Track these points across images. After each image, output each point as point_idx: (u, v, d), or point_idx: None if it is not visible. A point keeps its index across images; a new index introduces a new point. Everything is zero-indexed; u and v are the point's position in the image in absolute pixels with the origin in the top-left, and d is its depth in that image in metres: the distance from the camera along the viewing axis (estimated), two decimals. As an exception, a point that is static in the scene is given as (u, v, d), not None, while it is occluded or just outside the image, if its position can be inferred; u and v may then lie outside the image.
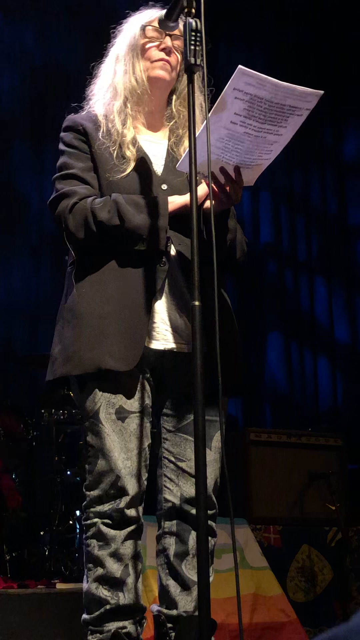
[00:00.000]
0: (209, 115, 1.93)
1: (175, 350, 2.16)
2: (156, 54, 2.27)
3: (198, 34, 1.92)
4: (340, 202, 7.08)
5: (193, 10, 1.98)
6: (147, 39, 2.27)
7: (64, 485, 4.40)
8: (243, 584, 3.77)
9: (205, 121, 1.94)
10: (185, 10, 1.98)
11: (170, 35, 2.26)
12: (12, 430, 4.47)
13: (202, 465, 1.72)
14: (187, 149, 1.90)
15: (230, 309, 2.29)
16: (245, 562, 3.94)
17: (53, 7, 6.33)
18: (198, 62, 1.90)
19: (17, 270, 5.86)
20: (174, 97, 2.35)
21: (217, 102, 1.95)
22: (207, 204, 2.14)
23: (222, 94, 1.94)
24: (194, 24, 1.92)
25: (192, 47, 1.90)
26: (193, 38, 1.91)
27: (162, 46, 2.27)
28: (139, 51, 2.27)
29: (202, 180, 2.13)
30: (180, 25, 2.09)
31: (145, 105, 2.29)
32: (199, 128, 1.99)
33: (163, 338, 2.15)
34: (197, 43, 1.91)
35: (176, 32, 2.22)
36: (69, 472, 4.45)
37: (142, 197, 2.15)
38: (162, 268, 2.15)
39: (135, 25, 2.31)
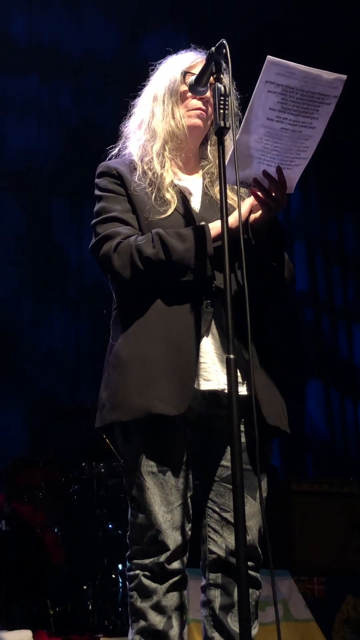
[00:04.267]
0: (247, 111, 1.96)
1: (226, 391, 1.99)
2: (194, 103, 2.31)
3: (227, 98, 1.98)
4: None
5: (222, 76, 2.06)
6: (187, 87, 2.29)
7: (105, 538, 4.39)
8: (288, 636, 3.73)
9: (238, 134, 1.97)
10: (214, 75, 2.06)
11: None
12: (53, 484, 4.50)
13: (241, 516, 1.72)
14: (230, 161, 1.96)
15: (272, 357, 2.24)
16: (290, 615, 3.90)
17: (88, 69, 6.53)
18: (227, 125, 1.96)
19: (57, 324, 5.97)
20: (209, 141, 2.38)
21: (251, 99, 1.95)
22: (253, 215, 2.15)
23: (255, 89, 1.94)
24: (222, 88, 1.99)
25: (221, 111, 1.97)
26: (222, 102, 1.97)
27: (201, 96, 2.29)
28: (179, 97, 2.31)
29: (245, 196, 2.15)
30: (209, 92, 2.15)
31: (183, 149, 2.33)
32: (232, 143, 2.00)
33: (215, 378, 2.11)
34: (226, 107, 1.97)
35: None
36: (110, 525, 4.45)
37: (184, 229, 2.16)
38: (208, 310, 2.12)
39: (176, 68, 2.34)
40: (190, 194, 2.30)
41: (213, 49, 2.04)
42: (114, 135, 2.46)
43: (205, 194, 2.31)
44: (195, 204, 2.29)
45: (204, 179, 2.35)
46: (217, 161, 2.20)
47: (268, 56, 1.90)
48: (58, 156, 6.37)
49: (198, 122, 2.31)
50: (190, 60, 2.35)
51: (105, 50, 6.73)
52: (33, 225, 6.16)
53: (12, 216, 6.09)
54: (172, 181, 2.26)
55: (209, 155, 2.37)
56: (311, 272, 6.85)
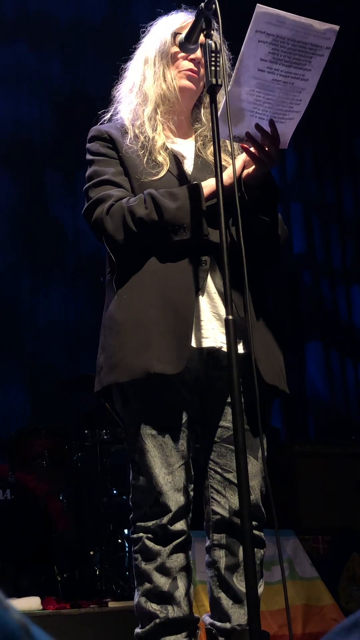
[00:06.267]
0: (239, 61, 1.92)
1: (224, 349, 2.02)
2: (185, 64, 2.28)
3: (218, 55, 1.95)
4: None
5: (212, 32, 2.03)
6: (178, 48, 2.26)
7: (110, 504, 4.42)
8: (294, 595, 3.77)
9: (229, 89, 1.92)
10: (204, 32, 2.03)
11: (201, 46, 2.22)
12: (57, 453, 4.52)
13: (244, 477, 1.72)
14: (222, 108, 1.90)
15: (269, 315, 2.23)
16: (295, 573, 3.93)
17: (77, 36, 6.44)
18: (219, 82, 1.93)
19: (55, 295, 5.96)
20: (202, 104, 2.36)
21: (241, 50, 1.91)
22: (246, 171, 2.12)
23: (245, 39, 1.89)
24: (212, 45, 1.96)
25: (213, 68, 1.94)
26: (213, 59, 1.95)
27: (192, 56, 2.27)
28: (169, 59, 2.28)
29: (238, 151, 2.13)
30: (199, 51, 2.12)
31: (175, 112, 2.30)
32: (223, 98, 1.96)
33: (212, 336, 2.10)
34: (217, 63, 1.94)
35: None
36: (115, 491, 4.48)
37: (176, 188, 2.14)
38: (203, 268, 2.11)
39: (166, 29, 2.31)
40: (183, 156, 2.29)
41: (202, 5, 2.01)
42: (105, 103, 2.43)
43: (198, 156, 2.29)
44: (188, 166, 2.27)
45: (196, 142, 2.32)
46: (210, 124, 2.18)
47: (258, 5, 1.86)
48: (49, 126, 6.31)
49: (189, 83, 2.29)
50: (181, 20, 2.32)
51: (95, 17, 6.64)
52: (27, 198, 6.12)
53: (4, 189, 6.05)
54: (164, 144, 2.24)
55: (202, 118, 2.34)
56: (308, 234, 6.82)
